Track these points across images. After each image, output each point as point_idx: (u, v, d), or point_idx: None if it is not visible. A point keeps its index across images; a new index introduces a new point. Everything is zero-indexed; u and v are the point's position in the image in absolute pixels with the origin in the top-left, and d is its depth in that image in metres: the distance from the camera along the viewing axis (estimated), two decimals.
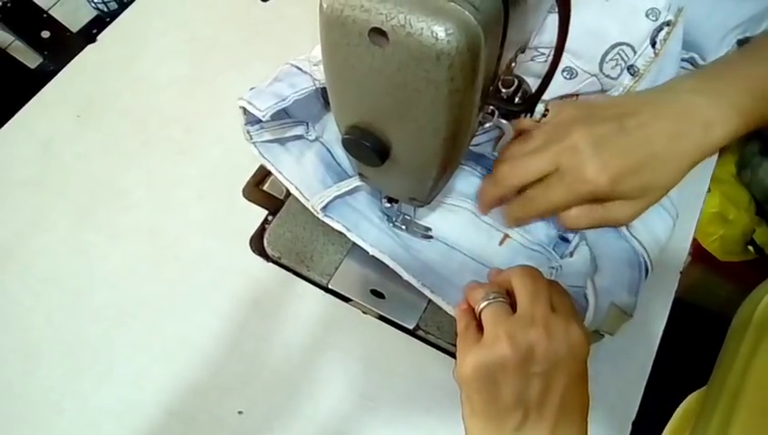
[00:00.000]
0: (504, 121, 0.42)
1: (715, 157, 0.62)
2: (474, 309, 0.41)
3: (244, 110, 0.51)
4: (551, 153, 0.45)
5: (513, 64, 0.41)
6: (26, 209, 0.60)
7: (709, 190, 0.60)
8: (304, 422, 0.51)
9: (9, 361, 0.53)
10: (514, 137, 0.49)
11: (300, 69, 0.54)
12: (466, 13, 0.30)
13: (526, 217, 0.50)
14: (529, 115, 0.41)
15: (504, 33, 0.34)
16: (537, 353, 0.37)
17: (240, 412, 0.51)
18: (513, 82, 0.39)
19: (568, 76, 0.53)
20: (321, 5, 0.32)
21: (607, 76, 0.54)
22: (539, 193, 0.47)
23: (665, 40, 0.55)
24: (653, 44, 0.54)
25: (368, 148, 0.39)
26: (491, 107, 0.39)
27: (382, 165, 0.40)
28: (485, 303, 0.40)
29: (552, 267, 0.52)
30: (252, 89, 0.52)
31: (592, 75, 0.53)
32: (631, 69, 0.54)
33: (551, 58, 0.36)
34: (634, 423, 0.50)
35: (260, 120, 0.51)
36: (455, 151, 0.39)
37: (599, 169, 0.44)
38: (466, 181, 0.57)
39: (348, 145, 0.40)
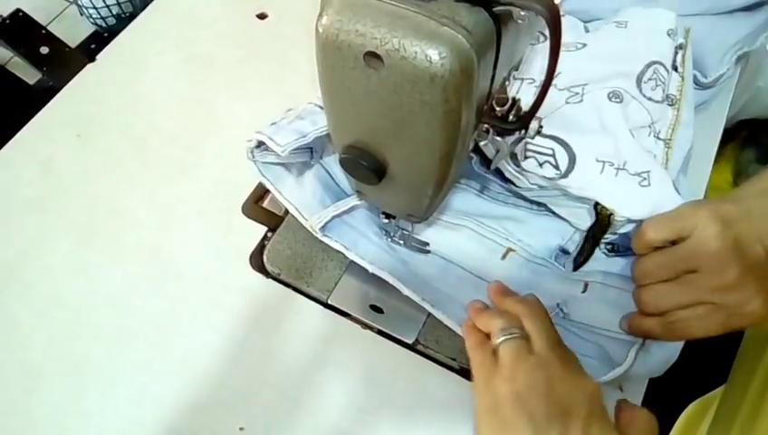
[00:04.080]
0: (498, 139, 0.42)
1: (711, 165, 0.62)
2: (479, 329, 0.43)
3: (258, 142, 0.52)
4: (704, 290, 0.43)
5: (507, 83, 0.42)
6: (27, 230, 0.61)
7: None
8: None
9: (12, 380, 0.53)
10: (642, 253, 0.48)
11: (321, 107, 0.54)
12: (459, 36, 0.30)
13: (668, 339, 0.47)
14: (524, 132, 0.42)
15: (497, 53, 0.35)
16: (553, 396, 0.37)
17: (241, 429, 0.51)
18: (507, 100, 0.39)
19: (617, 100, 0.53)
20: (317, 30, 0.33)
21: (649, 99, 0.54)
22: (689, 323, 0.44)
23: (683, 62, 0.56)
24: (675, 69, 0.56)
25: (365, 167, 0.40)
26: (485, 125, 0.40)
27: (379, 183, 0.41)
28: (503, 337, 0.41)
29: (559, 307, 0.53)
30: (273, 124, 0.53)
31: (634, 98, 0.54)
32: (669, 98, 0.55)
33: (542, 84, 0.37)
34: None
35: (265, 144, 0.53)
36: (450, 169, 0.39)
37: (763, 304, 0.42)
38: (464, 199, 0.58)
39: (345, 164, 0.41)
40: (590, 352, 0.49)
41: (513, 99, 0.40)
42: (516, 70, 0.45)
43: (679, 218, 0.44)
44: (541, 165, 0.50)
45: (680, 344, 0.47)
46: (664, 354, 0.47)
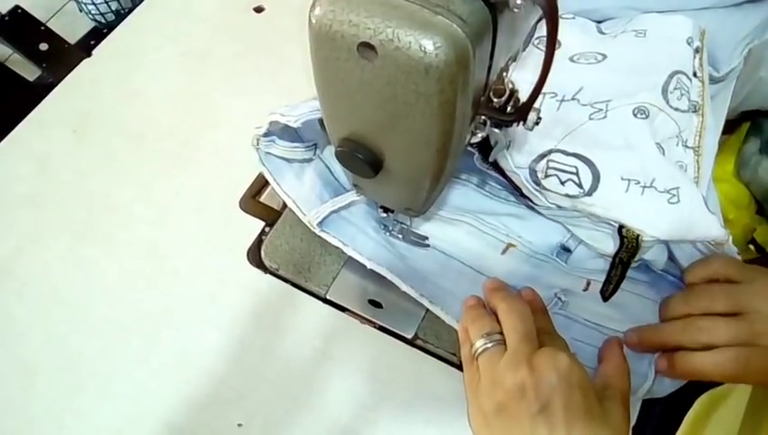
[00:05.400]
0: (496, 131, 0.42)
1: (714, 156, 0.62)
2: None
3: (266, 132, 0.52)
4: (757, 330, 0.43)
5: (505, 74, 0.41)
6: (23, 226, 0.61)
7: None
8: (304, 434, 0.51)
9: (8, 378, 0.53)
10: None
11: None
12: (454, 26, 0.30)
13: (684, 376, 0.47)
14: (522, 123, 0.41)
15: (494, 43, 0.34)
16: (528, 393, 0.37)
17: (240, 425, 0.51)
18: (505, 91, 0.39)
19: (643, 116, 0.52)
20: (309, 21, 0.33)
21: (676, 109, 0.53)
22: (726, 364, 0.43)
23: (701, 66, 0.56)
24: (694, 74, 0.55)
25: (361, 160, 0.39)
26: (483, 117, 0.39)
27: (376, 176, 0.40)
28: (481, 349, 0.41)
29: (557, 295, 0.52)
30: (286, 106, 0.52)
31: (661, 110, 0.53)
32: (693, 105, 0.55)
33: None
34: (635, 428, 0.50)
35: (273, 135, 0.52)
36: (447, 162, 0.39)
37: None
38: (464, 195, 0.57)
39: (341, 157, 0.40)
40: (595, 341, 0.48)
41: (512, 90, 0.39)
42: (515, 61, 0.44)
43: (750, 266, 0.46)
44: (563, 183, 0.49)
45: None
46: (673, 383, 0.48)
